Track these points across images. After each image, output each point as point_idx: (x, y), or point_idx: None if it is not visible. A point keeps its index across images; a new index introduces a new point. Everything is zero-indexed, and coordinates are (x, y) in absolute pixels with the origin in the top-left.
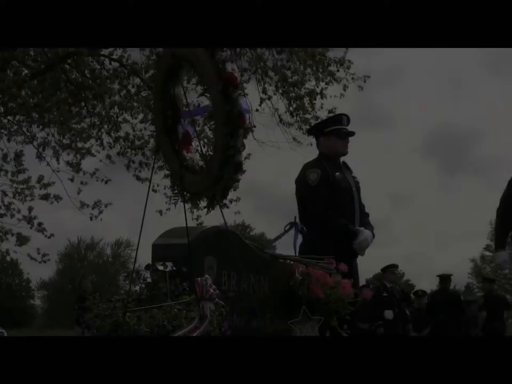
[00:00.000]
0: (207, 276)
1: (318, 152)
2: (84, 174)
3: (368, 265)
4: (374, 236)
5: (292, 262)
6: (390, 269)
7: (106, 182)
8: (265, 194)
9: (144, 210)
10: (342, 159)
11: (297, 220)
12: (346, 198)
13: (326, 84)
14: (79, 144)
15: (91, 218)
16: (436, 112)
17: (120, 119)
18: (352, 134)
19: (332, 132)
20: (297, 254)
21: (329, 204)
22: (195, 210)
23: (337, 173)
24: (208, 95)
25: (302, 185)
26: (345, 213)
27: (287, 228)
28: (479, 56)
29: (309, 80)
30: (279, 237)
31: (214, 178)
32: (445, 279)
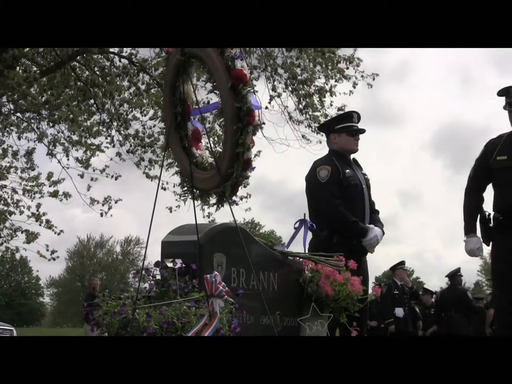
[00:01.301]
0: (216, 273)
1: (327, 149)
2: (94, 170)
3: (378, 263)
4: (383, 233)
5: (301, 259)
6: (400, 266)
7: (116, 178)
8: (275, 192)
9: (154, 208)
10: (352, 156)
11: (307, 217)
12: (356, 195)
13: (336, 81)
14: (89, 141)
15: (101, 215)
16: (445, 109)
17: (129, 116)
18: (362, 131)
19: (342, 129)
20: (306, 251)
21: (340, 200)
22: (205, 207)
23: (347, 170)
24: (217, 92)
25: (312, 182)
26: (355, 210)
27: (296, 225)
28: (488, 53)
29: (319, 78)
30: (292, 238)
31: (224, 175)
32: (452, 276)
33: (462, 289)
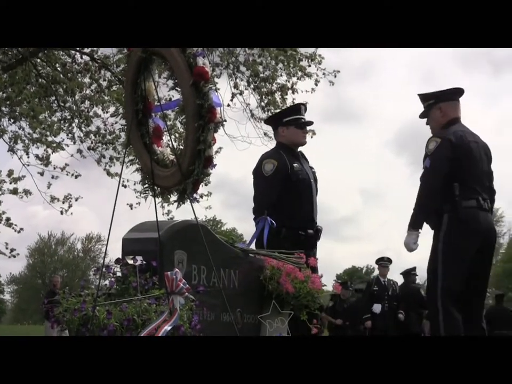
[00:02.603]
0: (177, 270)
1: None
2: (55, 168)
3: (339, 261)
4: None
5: (262, 257)
6: (379, 262)
7: (76, 177)
8: (236, 190)
9: (114, 205)
10: (299, 149)
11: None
12: (304, 189)
13: (298, 79)
14: (50, 138)
15: (61, 212)
16: (408, 106)
17: (91, 113)
18: (310, 123)
19: (291, 122)
20: (266, 248)
21: (276, 197)
22: (166, 204)
23: (295, 164)
24: (179, 89)
25: (256, 175)
26: (304, 204)
27: (257, 223)
28: (451, 52)
29: (281, 75)
30: (254, 236)
31: (185, 172)
32: (406, 274)
33: (415, 287)
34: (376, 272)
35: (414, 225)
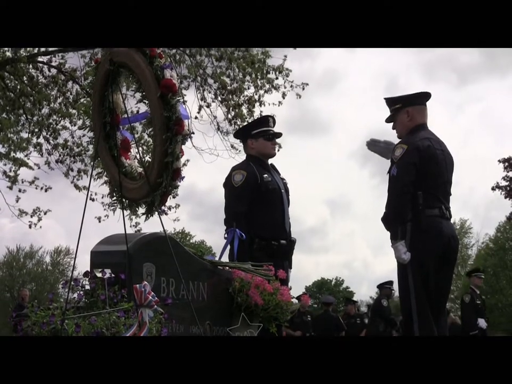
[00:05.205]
0: (145, 282)
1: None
2: (23, 182)
3: (307, 272)
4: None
5: (230, 269)
6: (475, 274)
7: (46, 190)
8: (203, 201)
9: (83, 218)
10: (270, 161)
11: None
12: (275, 199)
13: (265, 92)
14: (17, 154)
15: (30, 226)
16: (372, 117)
17: (59, 126)
18: (279, 135)
19: (259, 134)
20: (236, 261)
21: (246, 208)
22: (134, 217)
23: (265, 175)
24: (146, 102)
25: (226, 186)
26: (275, 214)
27: (226, 235)
28: (415, 60)
29: (248, 88)
30: (224, 249)
31: (153, 184)
32: (379, 287)
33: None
34: (347, 284)
35: (395, 236)
